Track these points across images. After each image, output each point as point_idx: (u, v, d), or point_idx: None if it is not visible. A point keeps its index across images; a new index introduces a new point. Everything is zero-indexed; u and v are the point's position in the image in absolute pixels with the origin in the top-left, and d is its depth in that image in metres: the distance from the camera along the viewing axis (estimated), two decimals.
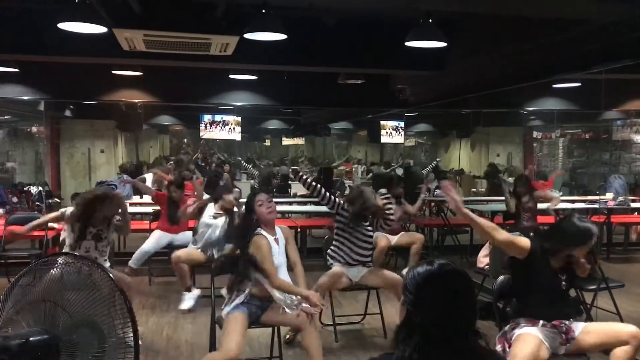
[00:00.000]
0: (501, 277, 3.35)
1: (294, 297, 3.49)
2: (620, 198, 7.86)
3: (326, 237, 5.12)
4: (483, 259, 6.31)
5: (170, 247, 6.09)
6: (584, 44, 4.73)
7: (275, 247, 3.53)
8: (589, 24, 4.57)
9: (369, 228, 4.61)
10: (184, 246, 5.73)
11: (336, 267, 4.55)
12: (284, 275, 3.54)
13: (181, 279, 5.45)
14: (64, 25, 4.57)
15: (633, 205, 8.36)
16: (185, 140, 16.43)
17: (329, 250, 4.67)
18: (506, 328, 3.12)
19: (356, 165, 15.63)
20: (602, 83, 7.43)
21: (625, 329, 2.95)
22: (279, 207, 8.64)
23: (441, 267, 1.56)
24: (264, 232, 3.49)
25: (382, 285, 4.61)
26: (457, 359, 1.50)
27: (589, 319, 4.43)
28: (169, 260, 6.38)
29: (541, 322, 3.00)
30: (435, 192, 11.06)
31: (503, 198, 6.75)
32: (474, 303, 1.58)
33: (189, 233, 6.00)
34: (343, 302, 5.45)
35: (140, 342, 2.29)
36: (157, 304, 5.63)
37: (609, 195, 7.90)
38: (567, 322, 3.05)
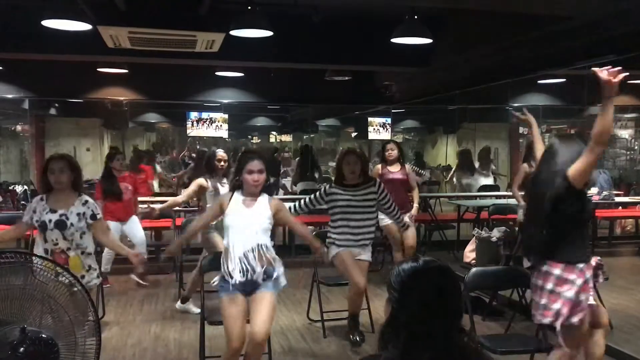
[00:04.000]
0: (473, 270, 3.35)
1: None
2: (605, 193, 7.93)
3: (313, 233, 5.07)
4: (469, 254, 6.37)
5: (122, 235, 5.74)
6: (568, 40, 4.78)
7: (244, 209, 3.39)
8: (573, 20, 4.62)
9: (368, 207, 4.48)
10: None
11: (338, 250, 4.42)
12: (249, 236, 3.34)
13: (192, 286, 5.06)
14: (48, 23, 4.54)
15: (617, 199, 8.45)
16: (170, 137, 16.24)
17: (327, 238, 4.52)
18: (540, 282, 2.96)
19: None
20: (586, 79, 7.49)
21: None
22: None
23: (426, 264, 1.55)
24: (238, 194, 3.42)
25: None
26: (444, 356, 1.49)
27: None
28: (156, 258, 6.35)
29: (580, 265, 2.92)
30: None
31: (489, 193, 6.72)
32: (459, 299, 1.58)
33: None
34: (331, 298, 5.46)
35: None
36: (145, 302, 5.60)
37: (594, 190, 7.95)
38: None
